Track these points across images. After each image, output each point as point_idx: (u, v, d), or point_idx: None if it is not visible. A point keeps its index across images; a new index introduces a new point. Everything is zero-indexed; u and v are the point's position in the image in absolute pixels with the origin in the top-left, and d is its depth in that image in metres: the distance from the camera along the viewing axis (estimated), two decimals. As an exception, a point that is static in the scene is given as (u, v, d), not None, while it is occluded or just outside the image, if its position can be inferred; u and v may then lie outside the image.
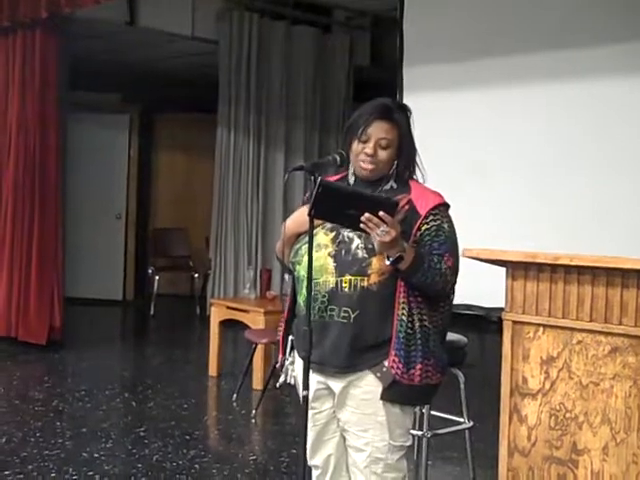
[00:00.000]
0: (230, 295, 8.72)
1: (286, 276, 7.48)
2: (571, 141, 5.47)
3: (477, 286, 4.52)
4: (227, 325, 6.59)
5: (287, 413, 5.83)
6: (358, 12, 9.35)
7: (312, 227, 2.47)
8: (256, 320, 6.09)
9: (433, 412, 4.17)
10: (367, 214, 2.37)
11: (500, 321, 2.57)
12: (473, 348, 5.98)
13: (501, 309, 2.56)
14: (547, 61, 5.64)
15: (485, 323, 8.65)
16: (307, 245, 2.57)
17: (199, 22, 8.54)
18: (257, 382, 6.05)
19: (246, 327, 6.14)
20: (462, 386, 4.33)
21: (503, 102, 5.95)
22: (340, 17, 9.60)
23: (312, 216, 2.43)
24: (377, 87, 7.19)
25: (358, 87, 9.61)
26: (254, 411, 5.56)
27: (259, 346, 5.91)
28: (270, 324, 5.94)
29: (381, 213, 2.37)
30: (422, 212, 2.54)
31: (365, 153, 2.59)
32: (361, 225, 2.40)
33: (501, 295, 2.57)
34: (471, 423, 4.39)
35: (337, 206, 2.39)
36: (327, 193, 2.38)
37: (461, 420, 4.44)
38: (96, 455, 4.56)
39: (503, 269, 2.59)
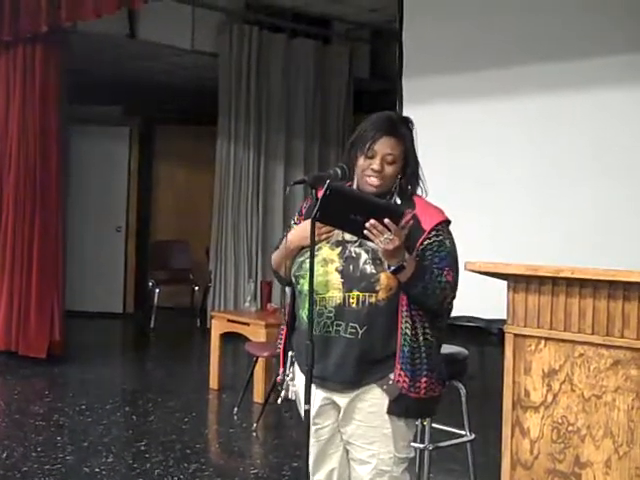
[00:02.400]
0: (230, 308, 8.71)
1: (287, 289, 7.47)
2: (572, 152, 5.46)
3: (478, 298, 4.51)
4: (228, 338, 6.57)
5: (288, 426, 5.81)
6: (357, 24, 9.38)
7: (314, 232, 2.45)
8: (257, 333, 6.08)
9: (434, 425, 4.16)
10: (372, 220, 2.36)
11: (501, 333, 2.57)
12: (473, 360, 5.98)
13: (502, 321, 2.55)
14: (547, 72, 5.64)
15: (485, 335, 8.64)
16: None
17: (199, 35, 8.57)
18: (258, 395, 6.04)
19: (247, 340, 6.13)
20: (463, 399, 4.31)
21: (503, 113, 5.95)
22: (339, 29, 9.62)
23: (316, 220, 2.42)
24: (376, 99, 7.20)
25: (357, 99, 9.64)
26: (255, 424, 5.55)
27: (260, 359, 5.90)
28: (271, 337, 5.91)
29: (386, 220, 2.36)
30: (426, 228, 2.54)
31: (372, 169, 2.58)
32: (365, 232, 2.39)
33: (502, 307, 2.56)
34: (473, 436, 4.37)
35: (343, 211, 2.38)
36: (335, 197, 2.36)
37: (462, 433, 4.43)
38: (97, 470, 4.54)
39: (504, 281, 2.59)
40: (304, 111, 9.34)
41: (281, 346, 2.81)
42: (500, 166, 5.92)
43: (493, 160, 5.96)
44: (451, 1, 6.46)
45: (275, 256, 2.82)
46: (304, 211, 2.79)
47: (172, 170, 11.09)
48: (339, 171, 2.63)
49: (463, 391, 4.30)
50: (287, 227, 2.81)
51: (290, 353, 2.76)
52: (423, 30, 6.64)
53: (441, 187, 2.75)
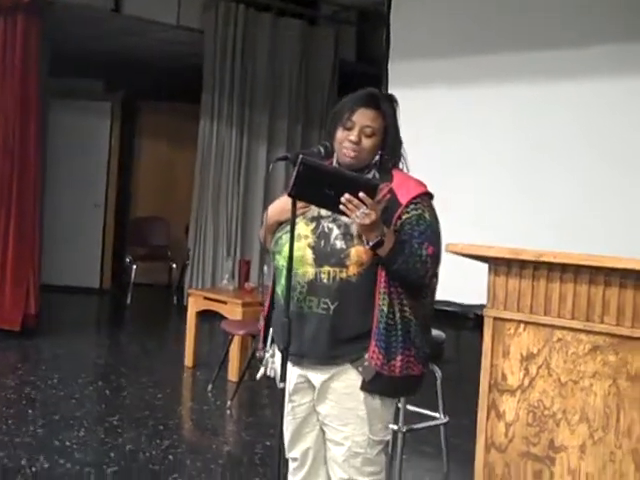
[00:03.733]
0: (208, 286, 8.68)
1: (265, 268, 7.47)
2: (560, 137, 5.48)
3: (455, 282, 4.52)
4: (204, 316, 6.54)
5: (262, 405, 5.80)
6: (344, 6, 9.33)
7: (295, 210, 2.45)
8: (234, 311, 6.06)
9: (409, 406, 4.18)
10: (347, 195, 2.34)
11: (477, 317, 2.56)
12: (449, 344, 5.99)
13: (479, 306, 2.54)
14: (536, 57, 5.64)
15: (462, 320, 8.68)
16: (288, 234, 2.55)
17: (185, 11, 8.48)
18: (233, 373, 6.02)
19: (223, 318, 6.11)
20: (438, 382, 4.34)
21: (491, 98, 5.94)
22: (326, 10, 9.57)
23: (292, 196, 2.41)
24: (362, 81, 7.16)
25: (343, 81, 9.59)
26: (229, 402, 5.54)
27: (235, 337, 5.88)
28: (248, 315, 5.92)
29: (361, 194, 2.34)
30: (403, 201, 2.52)
31: (349, 140, 2.56)
32: (340, 207, 2.37)
33: (479, 291, 2.54)
34: (447, 418, 4.41)
35: (317, 186, 2.36)
36: (308, 171, 2.35)
37: (436, 415, 4.45)
38: (68, 443, 4.51)
39: (484, 265, 2.58)
40: (288, 92, 9.29)
41: (262, 324, 2.79)
42: (486, 151, 5.92)
43: (479, 145, 5.96)
44: (440, -15, 6.44)
45: (261, 231, 2.82)
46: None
47: (153, 147, 11.00)
48: (322, 149, 2.62)
49: (439, 374, 4.32)
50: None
51: (271, 329, 2.75)
52: (411, 13, 6.62)
53: (426, 170, 2.72)
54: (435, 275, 2.56)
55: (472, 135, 6.04)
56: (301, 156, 2.37)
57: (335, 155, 2.64)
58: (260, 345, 2.80)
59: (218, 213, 8.94)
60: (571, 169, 5.34)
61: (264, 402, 5.82)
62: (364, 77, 7.66)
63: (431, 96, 6.33)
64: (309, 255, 2.54)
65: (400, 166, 2.68)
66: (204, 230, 8.94)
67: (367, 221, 2.36)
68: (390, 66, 6.71)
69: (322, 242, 2.54)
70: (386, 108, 2.62)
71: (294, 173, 2.36)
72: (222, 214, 8.95)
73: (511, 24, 5.88)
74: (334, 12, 9.57)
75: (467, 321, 8.95)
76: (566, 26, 5.55)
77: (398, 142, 2.66)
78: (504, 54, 5.90)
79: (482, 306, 2.49)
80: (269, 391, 5.81)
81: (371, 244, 2.42)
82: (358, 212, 2.35)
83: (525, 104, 5.73)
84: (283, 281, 2.58)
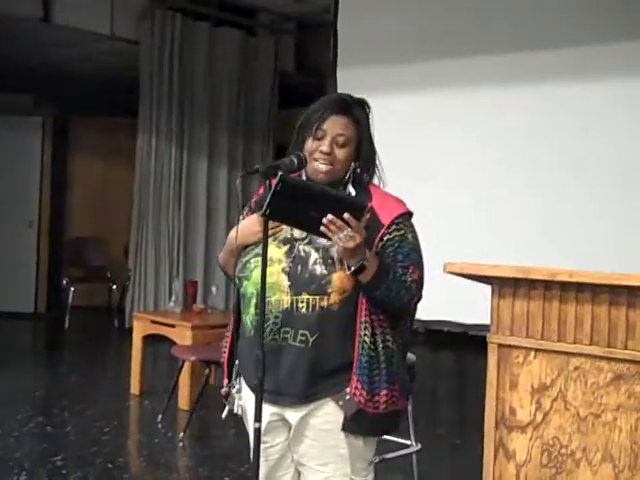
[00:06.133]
0: (150, 307, 8.37)
1: (213, 289, 7.10)
2: (519, 148, 5.33)
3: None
4: (148, 339, 6.20)
5: (217, 436, 5.47)
6: (283, 16, 9.13)
7: (267, 231, 2.19)
8: (183, 335, 5.73)
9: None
10: (330, 216, 2.10)
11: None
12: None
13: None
14: (491, 61, 5.50)
15: (412, 334, 8.49)
16: (256, 258, 2.30)
17: (119, 20, 8.16)
18: (184, 402, 5.69)
19: (169, 342, 5.79)
20: (410, 407, 4.09)
21: (442, 106, 5.77)
22: (265, 20, 9.35)
23: (266, 216, 2.15)
24: (303, 92, 6.97)
25: (283, 93, 9.38)
26: (182, 434, 5.18)
27: (186, 363, 5.56)
28: (198, 339, 5.64)
29: (346, 215, 2.10)
30: (385, 222, 2.28)
31: (320, 151, 2.31)
32: (322, 228, 2.12)
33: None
34: (419, 446, 4.18)
35: (296, 205, 2.11)
36: (287, 190, 2.09)
37: (407, 442, 4.21)
38: (8, 489, 4.15)
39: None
40: (228, 103, 9.06)
41: (225, 354, 2.51)
42: (439, 161, 5.73)
43: (432, 155, 5.77)
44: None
45: (222, 254, 2.56)
46: (253, 205, 2.50)
47: (89, 163, 10.62)
48: (295, 160, 2.34)
49: (410, 399, 4.07)
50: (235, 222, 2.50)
51: (236, 362, 2.47)
52: (357, 21, 6.46)
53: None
54: (419, 301, 2.35)
55: (425, 144, 5.86)
56: (280, 172, 2.11)
57: (306, 168, 2.36)
58: (224, 380, 2.51)
59: (159, 232, 8.60)
60: (537, 178, 5.19)
61: (219, 433, 5.48)
62: (304, 87, 7.50)
63: (380, 104, 6.12)
64: (284, 281, 2.28)
65: (375, 179, 2.44)
66: (145, 250, 8.59)
67: (351, 244, 2.12)
68: (338, 74, 6.51)
69: (299, 267, 2.29)
70: (359, 114, 2.37)
71: (270, 191, 2.09)
72: (163, 233, 8.62)
73: (461, 28, 5.74)
74: (272, 22, 9.35)
75: (417, 336, 8.79)
76: (517, 29, 5.42)
77: (372, 151, 2.42)
78: (454, 59, 5.76)
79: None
80: (227, 421, 5.48)
81: (353, 269, 2.18)
82: (341, 234, 2.11)
83: (481, 111, 5.58)
84: (253, 310, 2.33)
